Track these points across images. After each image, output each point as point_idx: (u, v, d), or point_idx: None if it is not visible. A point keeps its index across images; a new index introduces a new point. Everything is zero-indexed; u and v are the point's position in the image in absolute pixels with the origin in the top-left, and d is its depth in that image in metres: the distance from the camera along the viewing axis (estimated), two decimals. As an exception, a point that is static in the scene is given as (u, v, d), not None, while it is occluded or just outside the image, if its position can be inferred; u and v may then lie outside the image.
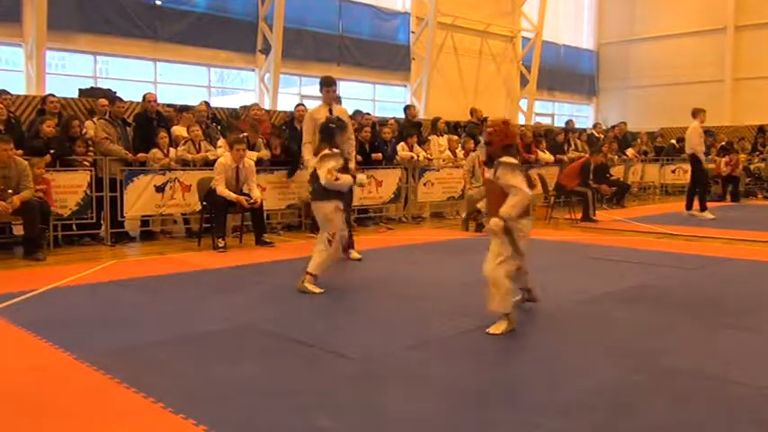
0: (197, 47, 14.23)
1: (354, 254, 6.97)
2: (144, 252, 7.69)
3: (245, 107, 10.57)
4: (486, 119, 13.76)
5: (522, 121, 20.49)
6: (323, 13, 16.20)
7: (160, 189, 8.25)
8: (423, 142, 11.60)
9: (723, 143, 16.42)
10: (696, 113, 11.09)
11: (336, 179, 5.31)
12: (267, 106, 14.87)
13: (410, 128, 11.73)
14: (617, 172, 14.10)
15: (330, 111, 6.79)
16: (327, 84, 6.88)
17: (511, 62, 21.26)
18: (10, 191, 6.79)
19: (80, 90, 11.55)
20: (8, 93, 8.83)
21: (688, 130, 11.27)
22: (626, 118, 19.50)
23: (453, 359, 3.70)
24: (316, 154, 5.51)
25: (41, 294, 5.22)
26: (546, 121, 21.09)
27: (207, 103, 10.03)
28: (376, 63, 17.40)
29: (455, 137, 12.29)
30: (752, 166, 16.31)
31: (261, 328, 4.28)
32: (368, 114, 11.86)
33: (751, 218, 10.95)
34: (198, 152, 8.76)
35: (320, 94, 6.98)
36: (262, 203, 7.96)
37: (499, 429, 2.75)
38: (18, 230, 7.32)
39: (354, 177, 5.70)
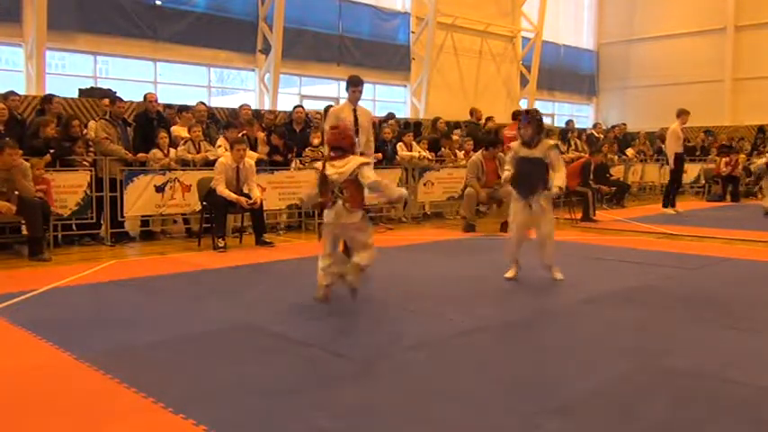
0: (197, 47, 14.23)
1: None
2: (144, 252, 7.69)
3: (242, 106, 10.52)
4: (490, 118, 13.77)
5: (521, 121, 20.46)
6: (323, 13, 16.19)
7: (160, 189, 8.25)
8: (438, 148, 11.72)
9: (723, 143, 16.40)
10: (679, 114, 11.34)
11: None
12: (267, 106, 14.88)
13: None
14: (617, 172, 14.11)
15: (354, 110, 6.78)
16: (354, 83, 6.82)
17: (511, 62, 21.26)
18: (16, 192, 6.80)
19: (80, 90, 11.56)
20: (16, 94, 8.87)
21: (668, 131, 11.52)
22: (626, 118, 19.50)
23: (453, 359, 3.69)
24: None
25: (41, 294, 5.21)
26: (546, 121, 21.06)
27: (203, 104, 10.00)
28: (376, 63, 17.37)
29: (456, 137, 12.31)
30: (752, 166, 16.30)
31: (261, 328, 4.27)
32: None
33: (751, 218, 10.94)
34: (198, 152, 8.76)
35: (331, 94, 6.95)
36: (262, 203, 7.96)
37: (499, 430, 2.75)
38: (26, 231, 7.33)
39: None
